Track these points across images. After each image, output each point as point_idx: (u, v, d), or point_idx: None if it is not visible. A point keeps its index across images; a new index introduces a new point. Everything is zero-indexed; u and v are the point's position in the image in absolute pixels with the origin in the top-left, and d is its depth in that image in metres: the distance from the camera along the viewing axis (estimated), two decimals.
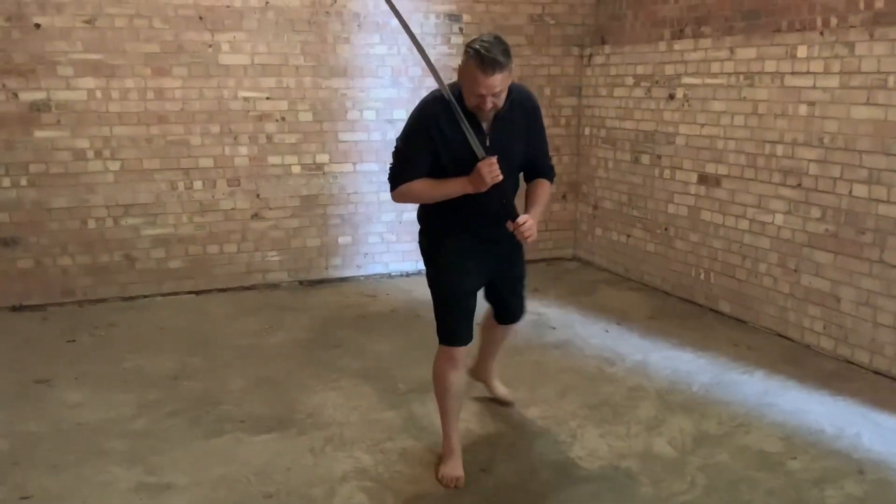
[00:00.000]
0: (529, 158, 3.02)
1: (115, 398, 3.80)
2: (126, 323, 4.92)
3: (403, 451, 3.28)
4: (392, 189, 2.95)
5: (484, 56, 2.61)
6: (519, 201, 2.97)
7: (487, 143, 2.81)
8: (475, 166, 2.74)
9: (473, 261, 3.02)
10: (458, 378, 3.10)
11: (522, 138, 2.93)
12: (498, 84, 2.66)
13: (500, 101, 2.75)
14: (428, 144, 2.82)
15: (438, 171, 2.86)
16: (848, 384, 3.93)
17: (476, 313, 3.10)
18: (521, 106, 2.91)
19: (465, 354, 3.11)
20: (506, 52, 2.67)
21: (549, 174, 3.10)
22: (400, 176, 2.91)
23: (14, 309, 5.13)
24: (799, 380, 4.00)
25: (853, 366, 4.16)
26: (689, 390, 3.89)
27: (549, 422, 3.53)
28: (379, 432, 3.44)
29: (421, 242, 3.16)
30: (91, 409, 3.69)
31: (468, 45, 2.70)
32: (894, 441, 3.35)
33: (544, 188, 3.08)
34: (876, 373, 4.05)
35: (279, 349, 4.48)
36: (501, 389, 3.74)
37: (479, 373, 3.70)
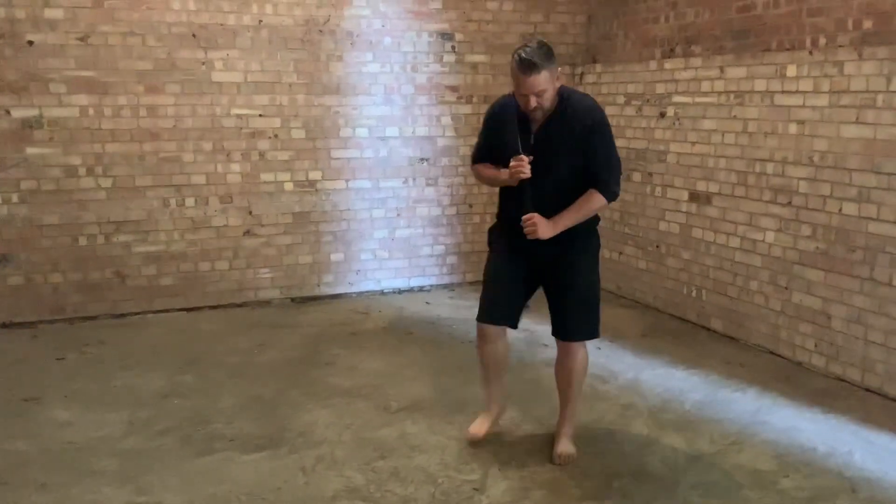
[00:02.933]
0: (586, 170, 3.10)
1: (104, 416, 3.77)
2: (116, 340, 4.90)
3: (395, 469, 3.26)
4: (471, 165, 3.43)
5: (522, 59, 2.93)
6: None
7: (532, 142, 3.07)
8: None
9: (513, 253, 3.26)
10: (490, 351, 3.36)
11: (571, 147, 3.06)
12: (539, 84, 2.94)
13: (546, 102, 3.01)
14: (488, 134, 3.27)
15: (502, 161, 3.15)
16: (839, 402, 3.94)
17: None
18: (577, 116, 3.06)
19: (498, 334, 3.33)
20: (546, 55, 2.96)
21: (602, 189, 3.11)
22: (473, 157, 3.40)
23: (4, 326, 5.10)
24: (791, 397, 4.01)
25: (845, 383, 4.17)
26: (681, 408, 3.89)
27: (541, 440, 3.52)
28: (371, 451, 3.42)
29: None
30: (81, 427, 3.66)
31: (514, 52, 3.01)
32: (886, 459, 3.36)
33: (588, 197, 3.11)
34: (867, 390, 4.06)
35: (270, 367, 4.45)
36: (559, 447, 3.36)
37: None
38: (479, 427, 3.41)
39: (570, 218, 3.09)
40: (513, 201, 3.16)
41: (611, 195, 3.13)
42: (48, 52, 4.95)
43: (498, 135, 3.16)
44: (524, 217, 3.04)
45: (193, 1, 5.20)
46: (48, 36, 4.93)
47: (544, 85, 2.94)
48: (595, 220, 3.29)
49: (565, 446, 3.35)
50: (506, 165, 3.08)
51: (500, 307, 3.28)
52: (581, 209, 3.11)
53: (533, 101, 2.97)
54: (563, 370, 3.37)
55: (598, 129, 3.09)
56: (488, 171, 3.27)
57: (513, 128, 3.06)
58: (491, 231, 3.46)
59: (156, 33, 5.16)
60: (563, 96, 3.09)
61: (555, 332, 3.34)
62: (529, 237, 3.05)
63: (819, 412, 3.83)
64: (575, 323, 3.29)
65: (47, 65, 4.96)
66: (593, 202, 3.11)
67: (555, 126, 3.06)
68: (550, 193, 3.06)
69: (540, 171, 3.02)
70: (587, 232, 3.24)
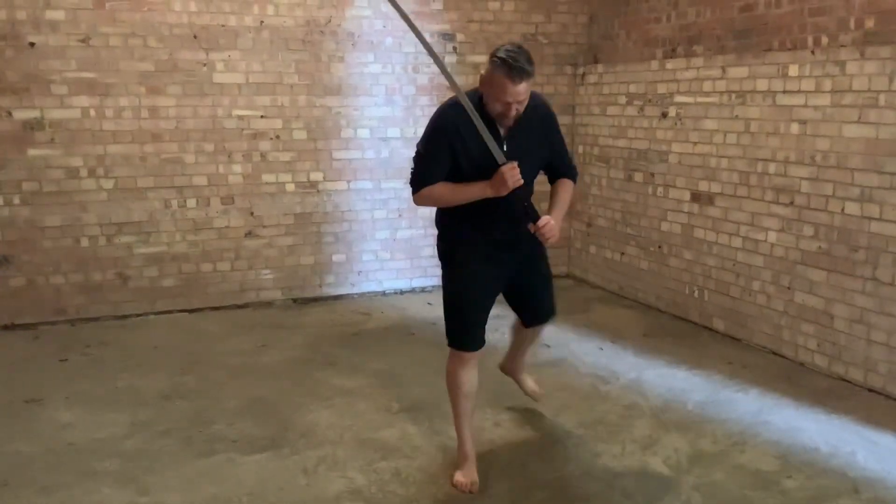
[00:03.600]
0: (550, 161, 3.12)
1: (106, 418, 3.77)
2: (118, 342, 4.90)
3: (397, 470, 3.25)
4: (413, 192, 3.02)
5: (512, 65, 2.70)
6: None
7: (505, 148, 2.87)
8: (497, 171, 2.79)
9: (488, 267, 3.05)
10: (470, 378, 3.11)
11: (539, 143, 3.01)
12: (523, 92, 2.76)
13: (523, 108, 2.83)
14: (446, 149, 2.89)
15: (458, 176, 2.93)
16: (842, 402, 3.93)
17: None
18: (537, 111, 2.97)
19: (475, 357, 3.11)
20: (530, 60, 2.76)
21: (571, 174, 3.17)
22: (420, 180, 2.98)
23: (5, 328, 5.10)
24: (793, 398, 4.00)
25: (847, 383, 4.16)
26: (683, 408, 3.88)
27: (544, 440, 3.51)
28: (372, 452, 3.42)
29: (438, 246, 3.20)
30: (83, 428, 3.66)
31: (493, 55, 2.77)
32: (889, 459, 3.35)
33: (567, 188, 3.14)
34: (870, 390, 4.05)
35: (272, 368, 4.45)
36: (530, 384, 3.77)
37: (507, 368, 3.78)
38: (472, 473, 3.12)
39: (562, 212, 3.07)
40: (485, 213, 2.95)
41: (576, 179, 3.21)
42: (49, 54, 4.95)
43: (461, 146, 2.87)
44: (542, 223, 2.85)
45: (195, 2, 5.21)
46: (49, 37, 4.94)
47: (527, 93, 2.79)
48: None
49: (535, 383, 3.76)
50: (474, 178, 2.86)
51: (480, 330, 3.09)
52: (567, 201, 3.14)
53: (514, 109, 2.79)
54: (534, 336, 3.59)
55: (554, 121, 3.10)
56: (457, 189, 2.93)
57: (479, 136, 2.80)
58: (448, 248, 3.13)
59: (157, 34, 5.16)
60: None
61: (533, 320, 3.43)
62: (550, 242, 2.91)
63: (822, 412, 3.82)
64: (551, 304, 3.43)
65: (48, 66, 4.96)
66: (571, 190, 3.17)
67: (522, 128, 2.90)
68: (521, 193, 2.89)
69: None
70: None
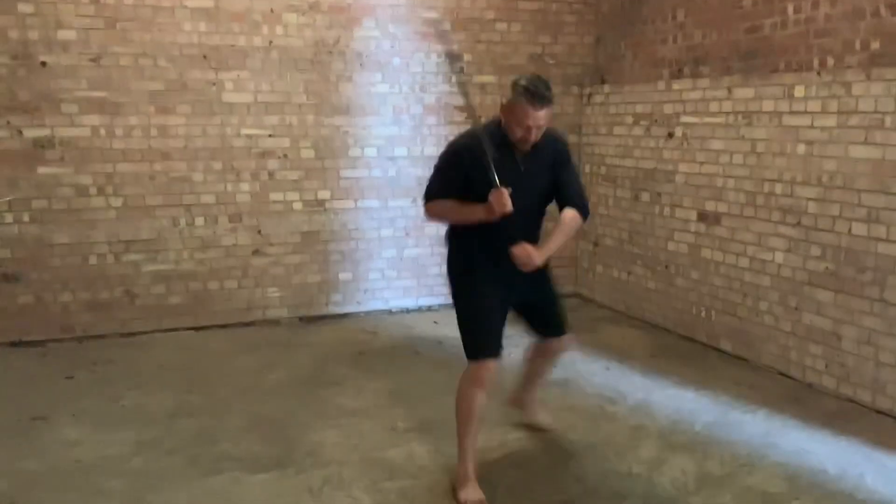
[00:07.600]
0: (559, 191, 3.20)
1: (113, 436, 3.77)
2: (125, 359, 4.91)
3: (402, 490, 3.24)
4: (424, 203, 3.17)
5: (534, 92, 2.91)
6: None
7: (522, 170, 3.04)
8: (491, 194, 2.91)
9: (494, 283, 3.16)
10: (483, 400, 3.15)
11: (549, 172, 3.16)
12: (543, 118, 2.95)
13: (541, 133, 3.02)
14: (459, 168, 3.05)
15: (474, 197, 3.01)
16: (850, 424, 3.91)
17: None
18: (552, 142, 3.16)
19: (493, 375, 3.14)
20: (549, 88, 2.97)
21: (577, 204, 3.19)
22: (432, 192, 3.14)
23: (13, 345, 5.12)
24: (801, 419, 3.98)
25: (855, 405, 4.14)
26: (691, 430, 3.86)
27: (550, 461, 3.50)
28: (378, 471, 3.41)
29: (448, 263, 3.31)
30: (89, 446, 3.66)
31: (515, 83, 2.98)
32: None
33: (569, 217, 3.17)
34: (878, 412, 4.02)
35: (278, 386, 4.45)
36: (544, 417, 3.85)
37: (519, 401, 3.84)
38: (478, 492, 3.13)
39: (559, 241, 3.13)
40: (489, 235, 3.05)
41: (588, 214, 3.24)
42: (60, 73, 5.00)
43: (476, 169, 2.95)
44: (517, 251, 2.98)
45: (205, 23, 5.26)
46: (61, 57, 4.99)
47: (547, 119, 2.98)
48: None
49: (548, 415, 3.77)
50: (483, 200, 2.94)
51: (498, 340, 3.17)
52: (568, 231, 3.18)
53: (534, 134, 2.98)
54: (553, 356, 3.64)
55: (569, 155, 3.25)
56: (460, 207, 3.06)
57: (488, 162, 2.90)
58: (457, 265, 3.26)
59: (167, 54, 5.21)
60: None
61: (548, 335, 3.49)
62: (525, 269, 3.01)
63: (830, 434, 3.80)
64: (564, 318, 3.52)
65: (59, 85, 5.01)
66: (576, 222, 3.20)
67: (538, 154, 3.09)
68: (528, 219, 3.12)
69: (525, 199, 3.01)
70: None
